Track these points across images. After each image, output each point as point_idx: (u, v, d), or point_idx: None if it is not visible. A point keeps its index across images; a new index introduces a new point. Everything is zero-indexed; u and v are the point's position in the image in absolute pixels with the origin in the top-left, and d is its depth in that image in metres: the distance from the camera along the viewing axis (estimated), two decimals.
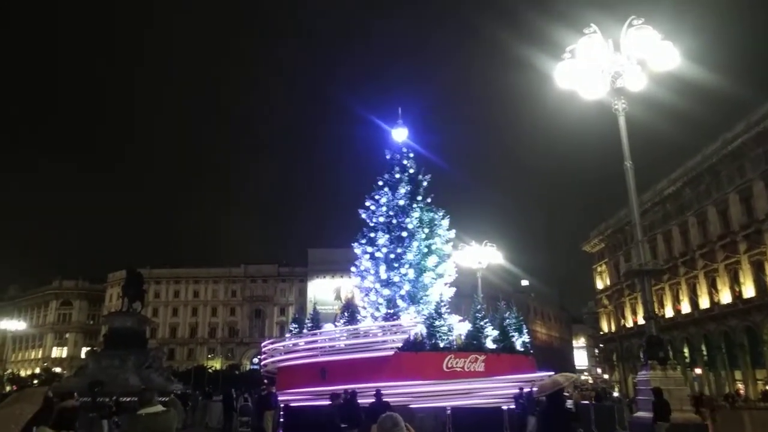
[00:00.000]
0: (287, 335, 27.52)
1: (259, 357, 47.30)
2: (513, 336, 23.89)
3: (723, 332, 46.08)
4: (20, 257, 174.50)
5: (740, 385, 44.76)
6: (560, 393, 6.79)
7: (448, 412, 18.77)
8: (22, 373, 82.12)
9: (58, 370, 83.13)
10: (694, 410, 22.19)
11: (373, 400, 14.38)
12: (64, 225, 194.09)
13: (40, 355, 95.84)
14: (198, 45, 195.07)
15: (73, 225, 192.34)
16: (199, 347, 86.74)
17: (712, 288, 47.20)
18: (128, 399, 22.49)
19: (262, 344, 30.61)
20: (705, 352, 49.19)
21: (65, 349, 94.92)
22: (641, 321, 57.25)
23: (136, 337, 40.14)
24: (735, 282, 44.45)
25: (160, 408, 5.71)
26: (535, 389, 20.03)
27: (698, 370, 48.66)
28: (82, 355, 74.83)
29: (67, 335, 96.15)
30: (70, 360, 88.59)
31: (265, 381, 27.10)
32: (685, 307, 50.84)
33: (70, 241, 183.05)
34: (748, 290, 42.64)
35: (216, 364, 76.52)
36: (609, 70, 14.14)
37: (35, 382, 66.46)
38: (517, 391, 18.50)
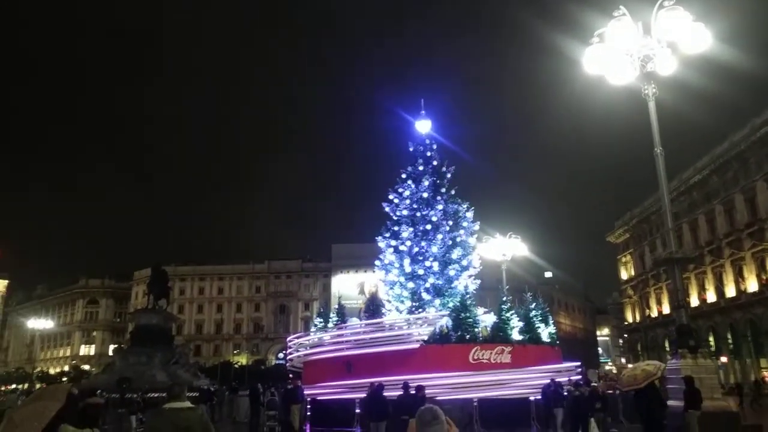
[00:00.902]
0: (312, 329, 27.61)
1: (284, 352, 47.60)
2: (539, 327, 23.66)
3: (749, 320, 45.44)
4: (46, 257, 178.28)
5: (766, 373, 44.19)
6: (654, 383, 6.61)
7: (475, 403, 18.72)
8: (51, 371, 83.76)
9: (86, 367, 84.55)
10: (738, 398, 21.89)
11: (401, 393, 14.32)
12: (89, 224, 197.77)
13: (68, 353, 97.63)
14: (224, 40, 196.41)
15: (97, 223, 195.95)
16: (224, 343, 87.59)
17: (739, 276, 46.45)
18: (156, 395, 22.86)
19: (288, 339, 30.75)
20: (730, 341, 48.52)
21: (93, 346, 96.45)
22: (666, 311, 56.79)
23: (162, 334, 40.64)
24: (762, 270, 43.73)
25: (186, 404, 5.51)
26: (590, 380, 19.83)
27: (723, 359, 48.00)
28: (110, 353, 76.04)
29: (95, 333, 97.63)
30: (98, 357, 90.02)
31: (290, 375, 27.29)
32: (711, 296, 50.15)
33: (96, 240, 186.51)
34: None
35: (242, 360, 77.23)
36: (638, 53, 13.81)
37: (64, 379, 67.69)
38: (547, 381, 18.34)
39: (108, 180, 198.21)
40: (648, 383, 6.50)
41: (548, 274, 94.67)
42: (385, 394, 15.02)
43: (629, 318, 69.65)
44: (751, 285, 44.57)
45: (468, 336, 21.28)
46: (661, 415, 6.79)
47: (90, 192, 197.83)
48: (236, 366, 64.66)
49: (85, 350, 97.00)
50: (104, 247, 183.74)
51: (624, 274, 69.68)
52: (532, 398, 18.95)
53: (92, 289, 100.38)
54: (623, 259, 69.58)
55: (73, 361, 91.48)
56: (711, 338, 49.74)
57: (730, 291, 47.26)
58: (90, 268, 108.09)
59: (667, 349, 56.67)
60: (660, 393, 7.66)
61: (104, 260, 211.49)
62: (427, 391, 17.70)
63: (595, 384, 20.95)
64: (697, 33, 13.52)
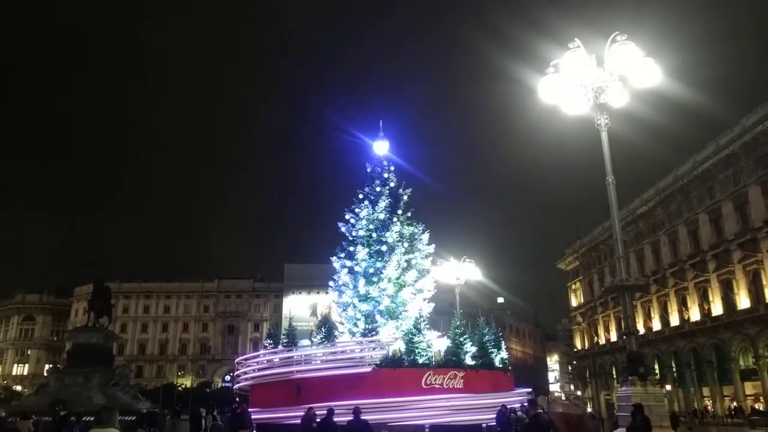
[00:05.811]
0: (261, 351, 26.84)
1: (231, 374, 46.16)
2: (492, 352, 23.71)
3: (692, 349, 46.85)
4: None
5: (708, 402, 45.49)
6: None
7: (427, 429, 18.47)
8: None
9: (18, 388, 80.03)
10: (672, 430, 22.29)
11: (351, 419, 13.95)
12: (28, 235, 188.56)
13: None
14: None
15: (37, 235, 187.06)
16: (168, 364, 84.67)
17: (683, 306, 48.02)
18: (91, 418, 21.61)
19: (235, 360, 29.86)
20: (675, 369, 49.92)
21: (27, 366, 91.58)
22: (613, 338, 58.14)
23: (102, 354, 38.68)
24: (704, 300, 45.29)
25: (113, 431, 5.45)
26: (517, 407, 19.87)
27: (668, 387, 49.35)
28: (45, 373, 72.20)
29: (29, 352, 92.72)
30: (31, 378, 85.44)
31: (237, 399, 26.37)
32: (656, 325, 51.58)
33: (35, 253, 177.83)
34: (717, 308, 43.50)
35: (186, 382, 74.69)
36: (592, 85, 14.26)
37: None
38: (500, 407, 18.31)
39: (50, 189, 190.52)
40: None
41: (500, 300, 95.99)
42: (335, 419, 14.58)
43: (578, 345, 70.89)
44: (694, 314, 46.14)
45: (421, 360, 21.08)
46: None
47: (31, 201, 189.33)
48: (180, 388, 62.36)
49: (18, 370, 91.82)
50: (44, 260, 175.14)
51: (574, 301, 71.08)
52: (484, 425, 18.83)
53: (29, 304, 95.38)
54: (573, 286, 71.05)
55: (5, 382, 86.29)
56: (656, 366, 51.20)
57: (675, 320, 48.79)
58: (28, 282, 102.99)
59: (614, 376, 57.97)
60: None
61: (43, 274, 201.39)
62: (378, 416, 17.42)
63: (541, 410, 20.99)
64: (648, 68, 14.07)
